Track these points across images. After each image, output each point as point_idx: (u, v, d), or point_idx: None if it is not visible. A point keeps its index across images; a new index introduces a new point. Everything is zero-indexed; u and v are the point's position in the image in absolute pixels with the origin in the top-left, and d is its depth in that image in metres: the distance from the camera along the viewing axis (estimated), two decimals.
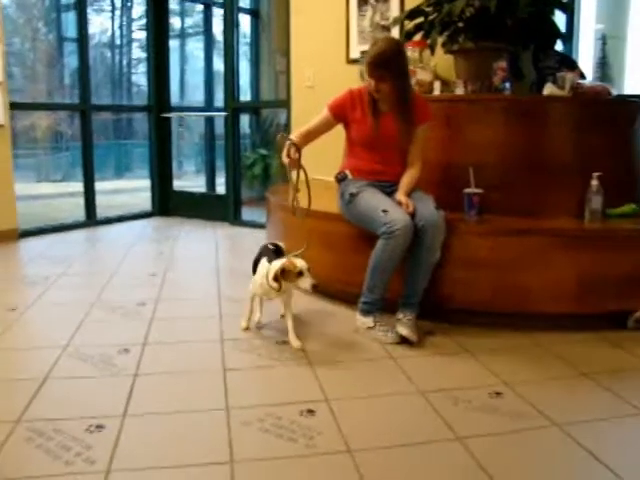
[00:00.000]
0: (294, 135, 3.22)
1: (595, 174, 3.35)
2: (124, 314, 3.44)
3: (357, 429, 2.20)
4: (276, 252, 3.11)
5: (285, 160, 3.06)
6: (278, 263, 2.89)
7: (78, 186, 6.54)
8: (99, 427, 2.18)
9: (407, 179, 3.25)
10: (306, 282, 2.84)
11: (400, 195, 3.14)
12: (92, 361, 2.77)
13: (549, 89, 3.67)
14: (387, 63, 3.09)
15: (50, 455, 2.00)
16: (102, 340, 3.03)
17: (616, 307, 3.23)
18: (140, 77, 14.45)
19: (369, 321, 3.09)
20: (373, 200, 3.14)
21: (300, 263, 2.87)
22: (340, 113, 3.27)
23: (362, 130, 3.24)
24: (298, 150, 3.06)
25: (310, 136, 3.27)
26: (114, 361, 2.77)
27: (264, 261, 3.03)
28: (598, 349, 3.00)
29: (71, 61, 12.01)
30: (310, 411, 2.32)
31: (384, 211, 3.02)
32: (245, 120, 8.61)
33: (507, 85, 3.83)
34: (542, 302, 3.18)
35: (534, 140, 3.57)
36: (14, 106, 5.64)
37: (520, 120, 3.59)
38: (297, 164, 3.05)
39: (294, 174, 3.08)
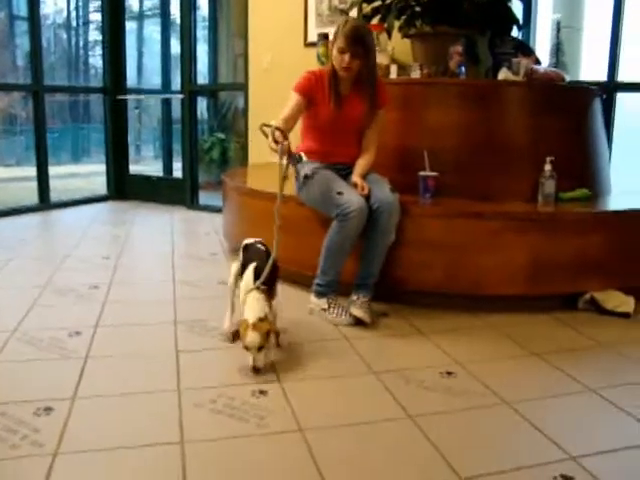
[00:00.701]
0: (275, 122, 3.10)
1: (548, 158, 3.40)
2: (76, 297, 3.38)
3: (308, 409, 2.20)
4: (266, 253, 2.75)
5: (274, 146, 2.87)
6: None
7: (32, 170, 6.39)
8: (47, 410, 2.14)
9: (363, 162, 3.25)
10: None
11: (355, 177, 3.14)
12: (42, 344, 2.72)
13: (504, 74, 3.71)
14: (362, 39, 3.07)
15: None
16: (53, 323, 2.97)
17: (567, 289, 3.30)
18: (97, 59, 14.14)
19: (323, 302, 3.09)
20: (328, 182, 3.14)
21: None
22: (308, 93, 3.18)
23: (322, 112, 3.21)
24: (285, 136, 2.91)
25: (289, 123, 3.09)
26: (65, 344, 2.72)
27: (251, 268, 2.64)
28: (550, 329, 3.06)
29: (24, 42, 11.70)
30: (262, 392, 2.31)
31: (339, 193, 3.02)
32: (203, 104, 8.51)
33: (463, 69, 3.86)
34: (495, 284, 3.22)
35: (489, 124, 3.61)
36: None
37: (475, 104, 3.63)
38: (287, 150, 2.89)
39: (284, 160, 2.89)
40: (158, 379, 2.42)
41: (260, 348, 2.38)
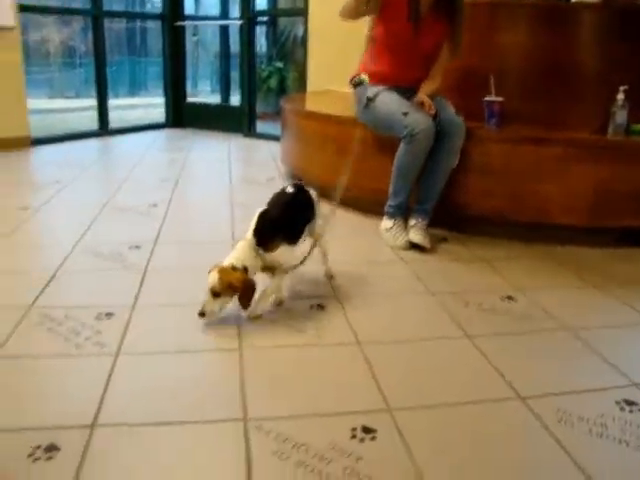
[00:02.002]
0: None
1: (622, 88, 3.22)
2: (136, 215, 3.43)
3: (366, 324, 2.19)
4: (296, 199, 2.35)
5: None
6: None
7: (91, 102, 6.45)
8: (109, 315, 2.18)
9: (429, 84, 3.12)
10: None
11: (421, 95, 3.03)
12: (103, 256, 2.77)
13: None
14: None
15: (61, 338, 2.01)
16: (113, 238, 3.02)
17: (631, 223, 3.17)
18: None
19: (389, 223, 3.06)
20: (392, 103, 3.05)
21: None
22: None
23: (396, 31, 3.05)
24: None
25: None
26: (125, 257, 2.77)
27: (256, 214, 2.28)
28: (611, 263, 2.96)
29: None
30: (320, 306, 2.31)
31: (404, 114, 2.93)
32: (261, 34, 8.41)
33: None
34: (557, 214, 3.12)
35: (560, 49, 3.44)
36: (23, 8, 5.50)
37: (546, 27, 3.45)
38: None
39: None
40: None
41: (216, 294, 2.09)
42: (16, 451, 1.46)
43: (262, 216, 2.22)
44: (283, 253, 2.20)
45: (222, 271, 2.09)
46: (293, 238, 2.26)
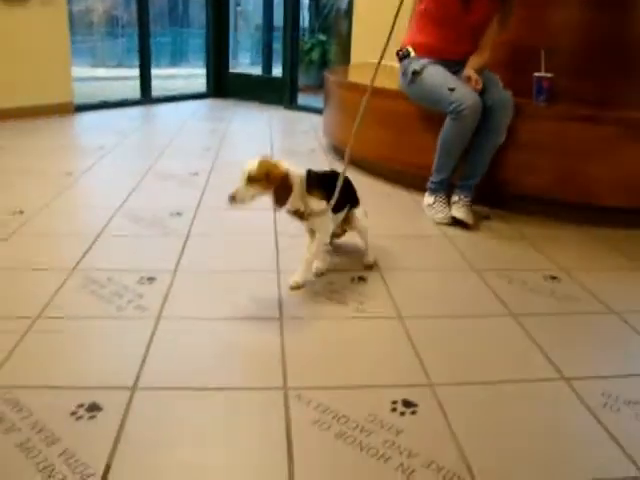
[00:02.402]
0: None
1: None
2: (177, 182, 3.44)
3: (408, 298, 2.17)
4: (340, 179, 2.24)
5: None
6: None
7: (134, 72, 6.46)
8: (150, 279, 2.19)
9: (477, 58, 3.05)
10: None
11: (469, 70, 2.97)
12: (145, 222, 2.78)
13: None
14: None
15: (103, 300, 2.03)
16: (155, 204, 3.03)
17: None
18: None
19: (431, 199, 3.02)
20: (438, 77, 2.99)
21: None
22: None
23: (445, 4, 2.99)
24: None
25: None
26: (166, 223, 2.78)
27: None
28: None
29: None
30: (361, 278, 2.29)
31: (451, 89, 2.87)
32: (304, 6, 8.32)
33: None
34: (606, 195, 3.03)
35: (613, 25, 3.32)
36: None
37: (600, 3, 3.33)
38: None
39: None
40: (257, 259, 2.43)
41: (251, 180, 2.01)
42: (60, 408, 1.48)
43: (310, 170, 2.17)
44: (320, 207, 2.14)
45: (264, 160, 2.04)
46: (332, 202, 2.19)
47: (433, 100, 3.00)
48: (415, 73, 3.08)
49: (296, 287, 2.18)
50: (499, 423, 1.53)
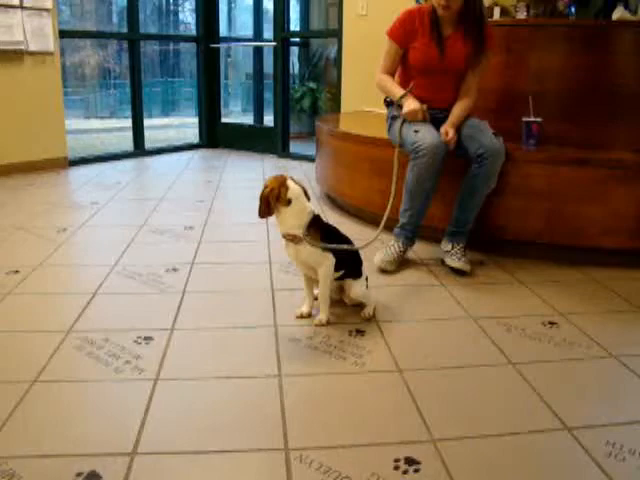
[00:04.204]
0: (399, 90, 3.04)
1: None
2: (172, 237, 3.44)
3: (407, 350, 2.16)
4: (350, 245, 2.41)
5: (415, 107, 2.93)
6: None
7: (126, 122, 6.54)
8: (147, 339, 2.18)
9: (459, 109, 3.05)
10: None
11: (448, 126, 2.96)
12: (140, 279, 2.78)
13: (619, 13, 3.46)
14: None
15: (100, 362, 2.01)
16: (150, 260, 3.03)
17: None
18: (187, 15, 14.29)
19: (392, 240, 3.05)
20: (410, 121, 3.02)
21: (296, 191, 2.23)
22: (404, 39, 3.01)
23: (423, 56, 3.01)
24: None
25: (392, 72, 3.10)
26: (162, 279, 2.77)
27: None
28: None
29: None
30: (360, 331, 2.29)
31: (416, 131, 2.91)
32: (294, 55, 8.46)
33: (572, 10, 3.63)
34: (598, 236, 3.05)
35: (599, 69, 3.38)
36: (63, 34, 5.60)
37: (585, 47, 3.40)
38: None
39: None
40: (254, 315, 2.42)
41: (269, 189, 2.21)
42: (59, 478, 1.45)
43: (319, 216, 2.30)
44: (314, 252, 2.24)
45: (273, 178, 2.25)
46: (333, 255, 2.28)
47: (403, 142, 3.00)
48: (393, 118, 3.12)
49: (320, 324, 2.32)
50: (503, 478, 1.51)
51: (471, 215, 3.00)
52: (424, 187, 2.92)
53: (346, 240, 2.39)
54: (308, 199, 2.28)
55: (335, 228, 2.43)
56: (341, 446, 1.61)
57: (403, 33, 3.01)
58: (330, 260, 2.28)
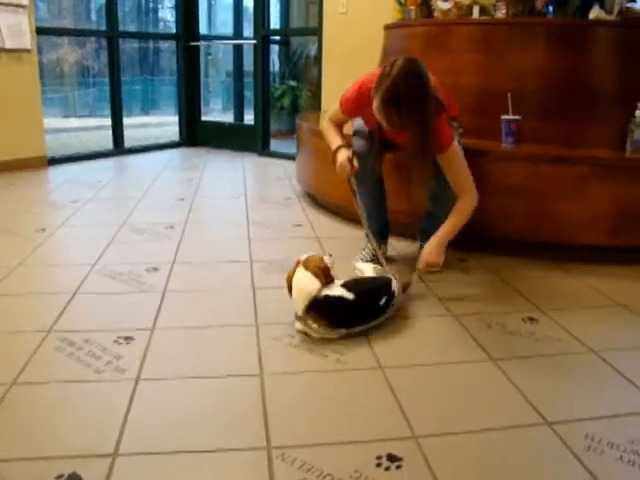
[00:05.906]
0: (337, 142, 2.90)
1: (639, 104, 3.20)
2: (152, 236, 3.42)
3: (387, 348, 2.16)
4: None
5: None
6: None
7: (105, 121, 6.50)
8: (128, 339, 2.17)
9: (448, 227, 2.71)
10: None
11: (430, 247, 2.71)
12: (121, 278, 2.76)
13: (595, 12, 3.48)
14: (404, 104, 2.39)
15: (81, 363, 2.00)
16: (131, 259, 3.01)
17: None
18: (167, 12, 14.23)
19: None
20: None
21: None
22: (353, 114, 2.90)
23: (375, 123, 2.72)
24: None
25: (341, 128, 3.00)
26: (143, 279, 2.76)
27: None
28: (635, 282, 2.92)
29: None
30: None
31: (353, 133, 2.95)
32: (274, 53, 8.45)
33: (550, 9, 3.65)
34: (578, 233, 3.08)
35: (576, 67, 3.41)
36: (40, 31, 5.55)
37: (562, 46, 3.43)
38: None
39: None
40: (235, 313, 2.42)
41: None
42: None
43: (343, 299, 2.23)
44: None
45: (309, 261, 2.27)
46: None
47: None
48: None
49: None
50: (485, 473, 1.52)
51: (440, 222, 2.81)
52: (367, 190, 2.92)
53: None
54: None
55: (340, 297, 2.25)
56: (323, 444, 1.62)
57: (352, 110, 2.86)
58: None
